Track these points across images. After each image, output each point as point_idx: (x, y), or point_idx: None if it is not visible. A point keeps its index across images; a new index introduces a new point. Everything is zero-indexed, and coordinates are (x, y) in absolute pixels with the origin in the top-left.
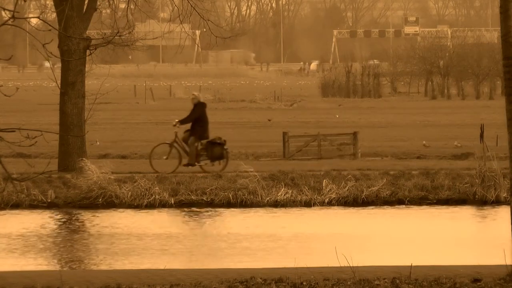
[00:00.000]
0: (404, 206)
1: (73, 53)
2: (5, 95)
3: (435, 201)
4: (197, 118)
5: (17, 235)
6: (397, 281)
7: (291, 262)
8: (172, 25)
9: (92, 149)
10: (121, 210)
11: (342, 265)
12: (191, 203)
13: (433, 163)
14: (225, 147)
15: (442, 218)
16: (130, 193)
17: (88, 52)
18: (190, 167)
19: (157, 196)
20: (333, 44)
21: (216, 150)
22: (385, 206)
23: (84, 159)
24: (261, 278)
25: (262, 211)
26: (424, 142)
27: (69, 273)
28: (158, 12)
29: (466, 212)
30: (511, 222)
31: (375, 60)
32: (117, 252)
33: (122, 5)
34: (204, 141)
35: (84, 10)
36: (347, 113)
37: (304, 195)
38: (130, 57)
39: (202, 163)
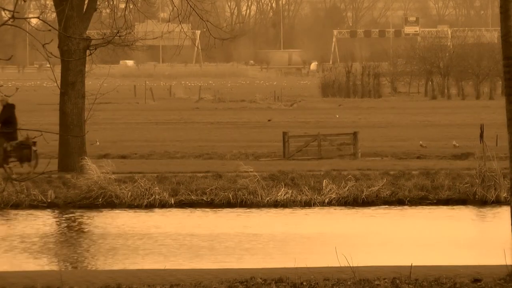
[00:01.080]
0: (404, 206)
1: (73, 53)
2: (5, 95)
3: (435, 201)
4: (6, 119)
5: (16, 235)
6: (397, 281)
7: (291, 261)
8: (172, 25)
9: (92, 149)
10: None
11: (342, 265)
12: (191, 203)
13: (433, 163)
14: (34, 148)
15: (442, 218)
16: (130, 193)
17: (88, 52)
18: None
19: (157, 196)
20: (333, 44)
21: (25, 152)
22: (385, 206)
23: (86, 158)
24: (261, 278)
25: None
26: (420, 142)
27: (69, 273)
28: (158, 12)
29: (466, 212)
30: (511, 222)
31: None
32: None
33: (122, 5)
34: (13, 143)
35: (84, 10)
36: (347, 113)
37: (304, 195)
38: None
39: (11, 165)
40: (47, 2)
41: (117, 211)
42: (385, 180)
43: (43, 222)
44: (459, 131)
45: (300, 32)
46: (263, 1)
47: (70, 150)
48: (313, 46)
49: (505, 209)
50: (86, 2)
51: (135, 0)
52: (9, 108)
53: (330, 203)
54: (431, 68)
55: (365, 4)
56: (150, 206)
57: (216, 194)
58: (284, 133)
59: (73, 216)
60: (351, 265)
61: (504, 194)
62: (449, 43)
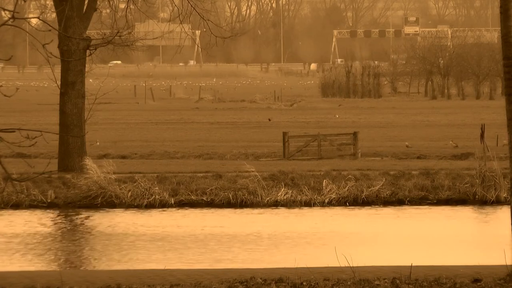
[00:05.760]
0: (404, 206)
1: (73, 53)
2: (5, 95)
3: (435, 201)
4: None
5: (16, 235)
6: (397, 281)
7: (291, 261)
8: (172, 25)
9: (92, 149)
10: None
11: (342, 265)
12: (191, 203)
13: (433, 163)
14: None
15: (442, 218)
16: (130, 193)
17: (88, 52)
18: None
19: (157, 196)
20: (333, 44)
21: None
22: (385, 206)
23: (86, 158)
24: (261, 278)
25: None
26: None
27: (69, 273)
28: (158, 12)
29: (466, 212)
30: (511, 222)
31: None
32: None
33: (122, 5)
34: None
35: (84, 10)
36: (347, 113)
37: (304, 195)
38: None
39: None
40: (47, 2)
41: (116, 210)
42: (385, 180)
43: (42, 222)
44: (459, 131)
45: (300, 32)
46: (263, 1)
47: (70, 150)
48: (313, 46)
49: (505, 209)
50: (86, 2)
51: (135, 0)
52: None
53: (330, 203)
54: (431, 68)
55: (365, 4)
56: (150, 206)
57: (216, 194)
58: (284, 133)
59: (73, 216)
60: (351, 265)
61: (504, 194)
62: (449, 43)
